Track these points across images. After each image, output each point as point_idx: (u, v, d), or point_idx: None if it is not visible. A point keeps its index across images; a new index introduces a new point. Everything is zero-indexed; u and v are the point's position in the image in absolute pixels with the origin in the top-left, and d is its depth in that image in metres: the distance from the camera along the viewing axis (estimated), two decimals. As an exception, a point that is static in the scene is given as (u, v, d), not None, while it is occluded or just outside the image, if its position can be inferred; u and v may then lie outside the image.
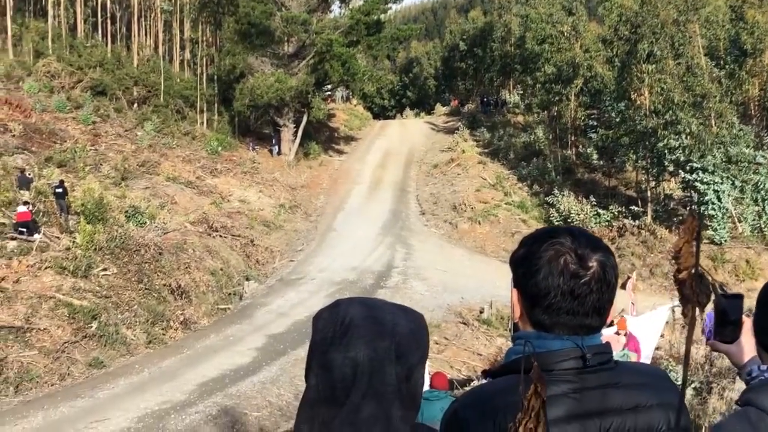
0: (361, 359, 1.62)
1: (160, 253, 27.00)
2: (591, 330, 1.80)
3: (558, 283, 1.76)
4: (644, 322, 15.43)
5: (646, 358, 13.82)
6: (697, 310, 1.48)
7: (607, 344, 1.84)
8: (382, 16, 51.87)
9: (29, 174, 29.23)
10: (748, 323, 2.30)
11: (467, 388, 16.95)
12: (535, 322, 1.82)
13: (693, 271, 1.48)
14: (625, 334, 13.77)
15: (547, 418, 1.40)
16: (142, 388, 19.06)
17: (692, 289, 1.44)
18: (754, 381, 2.21)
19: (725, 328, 2.28)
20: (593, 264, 1.77)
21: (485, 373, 1.92)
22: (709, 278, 1.47)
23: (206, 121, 49.54)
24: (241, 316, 26.51)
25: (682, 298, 1.47)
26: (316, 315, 1.73)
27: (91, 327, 21.51)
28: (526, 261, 1.83)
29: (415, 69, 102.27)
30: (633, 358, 12.77)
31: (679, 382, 1.55)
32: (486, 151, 53.59)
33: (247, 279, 30.31)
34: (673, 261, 1.53)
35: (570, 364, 1.76)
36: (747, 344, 2.30)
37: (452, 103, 79.20)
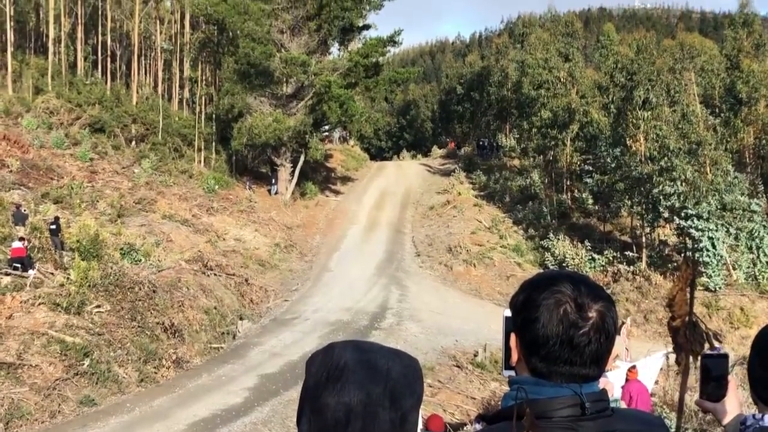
0: (354, 404, 1.59)
1: (154, 291, 26.90)
2: (588, 379, 1.78)
3: (557, 332, 1.74)
4: (639, 369, 15.38)
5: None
6: (691, 358, 1.50)
7: (605, 391, 1.84)
8: (380, 59, 52.33)
9: (25, 210, 29.20)
10: (733, 383, 2.32)
11: (461, 433, 16.83)
12: (533, 368, 1.80)
13: (687, 319, 1.49)
14: (627, 380, 13.85)
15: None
16: (132, 428, 18.90)
17: (686, 337, 1.46)
18: (748, 429, 2.22)
19: (707, 385, 2.30)
20: (593, 314, 1.75)
21: (480, 418, 1.92)
22: (703, 326, 1.48)
23: (203, 159, 49.69)
24: (234, 355, 26.34)
25: (676, 346, 1.49)
26: (310, 358, 1.71)
27: (83, 364, 21.37)
28: (526, 308, 1.81)
29: (413, 111, 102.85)
30: (623, 405, 12.74)
31: (674, 430, 1.56)
32: (482, 193, 53.75)
33: (241, 318, 30.16)
34: (667, 309, 1.56)
35: (568, 411, 1.74)
36: (730, 403, 2.31)
37: (449, 146, 79.52)
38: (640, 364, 16.24)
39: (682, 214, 36.57)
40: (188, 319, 27.15)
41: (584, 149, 48.46)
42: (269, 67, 46.69)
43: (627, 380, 13.95)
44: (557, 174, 52.57)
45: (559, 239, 41.65)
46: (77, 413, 19.82)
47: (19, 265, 24.60)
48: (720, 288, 35.01)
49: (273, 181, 51.04)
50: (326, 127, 56.66)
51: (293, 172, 50.99)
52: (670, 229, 41.25)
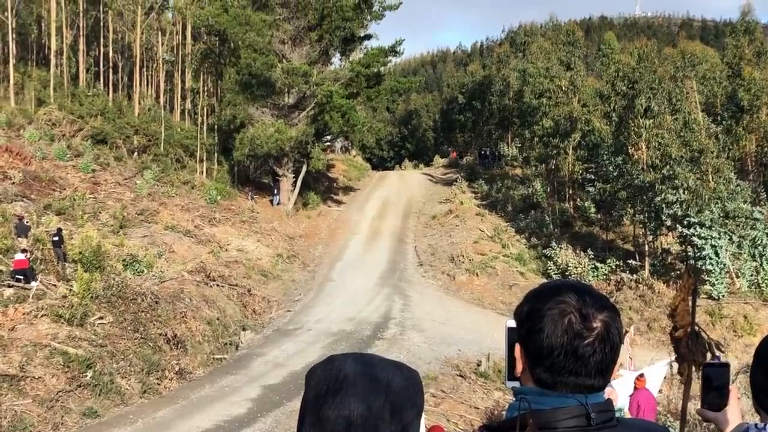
0: (354, 417, 1.58)
1: (156, 302, 26.87)
2: (594, 390, 1.78)
3: (561, 342, 1.74)
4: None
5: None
6: (693, 368, 1.50)
7: (609, 401, 1.83)
8: (381, 69, 52.45)
9: (27, 221, 29.19)
10: (735, 392, 2.31)
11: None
12: (538, 379, 1.80)
13: (689, 329, 1.49)
14: (635, 388, 13.84)
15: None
16: (135, 439, 18.87)
17: (688, 347, 1.45)
18: None
19: (709, 394, 2.30)
20: (597, 324, 1.75)
21: (483, 429, 1.90)
22: (705, 336, 1.48)
23: (206, 170, 49.73)
24: (236, 366, 26.30)
25: (679, 356, 1.49)
26: (310, 371, 1.71)
27: (86, 376, 21.33)
28: (530, 318, 1.81)
29: (414, 121, 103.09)
30: (627, 414, 12.72)
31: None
32: (484, 203, 53.77)
33: (244, 329, 30.12)
34: (670, 319, 1.55)
35: (573, 422, 1.74)
36: (731, 413, 2.31)
37: (451, 155, 79.63)
38: (644, 372, 16.21)
39: (685, 222, 36.55)
40: (191, 330, 27.12)
41: (586, 158, 48.50)
42: (271, 77, 46.75)
43: (635, 389, 13.91)
44: (559, 183, 52.61)
45: (561, 248, 41.61)
46: (80, 425, 19.78)
47: (21, 277, 24.58)
48: (723, 296, 34.95)
49: (275, 191, 51.08)
50: (328, 137, 56.72)
51: (295, 182, 51.03)
52: (673, 238, 41.24)
